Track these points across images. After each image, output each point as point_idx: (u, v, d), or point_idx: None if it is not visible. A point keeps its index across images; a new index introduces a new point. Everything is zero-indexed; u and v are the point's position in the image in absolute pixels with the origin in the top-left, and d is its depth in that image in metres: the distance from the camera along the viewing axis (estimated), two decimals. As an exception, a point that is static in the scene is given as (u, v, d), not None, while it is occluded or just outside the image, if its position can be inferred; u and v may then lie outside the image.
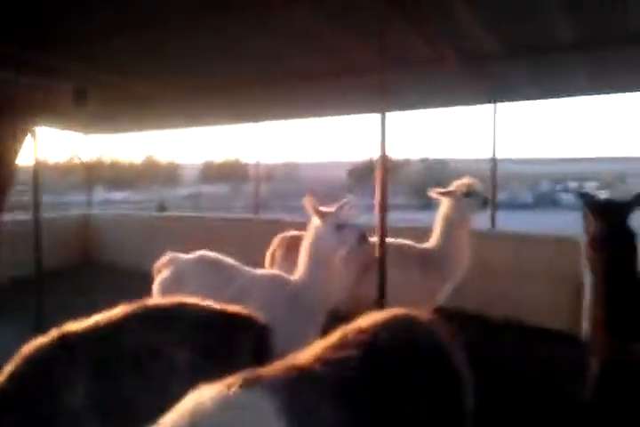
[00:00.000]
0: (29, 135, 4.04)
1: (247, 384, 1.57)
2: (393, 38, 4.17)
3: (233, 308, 2.67)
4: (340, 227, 3.67)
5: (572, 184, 45.57)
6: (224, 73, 6.89)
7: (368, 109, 8.73)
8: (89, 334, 2.35)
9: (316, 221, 3.80)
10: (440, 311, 4.93)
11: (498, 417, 3.86)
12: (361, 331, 1.97)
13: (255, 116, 9.72)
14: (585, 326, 5.24)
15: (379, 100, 4.00)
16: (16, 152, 3.77)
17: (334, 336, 1.97)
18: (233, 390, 1.54)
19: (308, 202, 3.80)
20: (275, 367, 1.75)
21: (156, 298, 3.85)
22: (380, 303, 3.92)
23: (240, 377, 1.61)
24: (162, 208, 27.64)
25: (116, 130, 11.93)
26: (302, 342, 3.35)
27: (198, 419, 1.47)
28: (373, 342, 1.90)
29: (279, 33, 5.10)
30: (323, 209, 3.81)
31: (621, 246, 3.02)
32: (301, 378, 1.70)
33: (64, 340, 2.31)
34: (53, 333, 2.34)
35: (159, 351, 2.31)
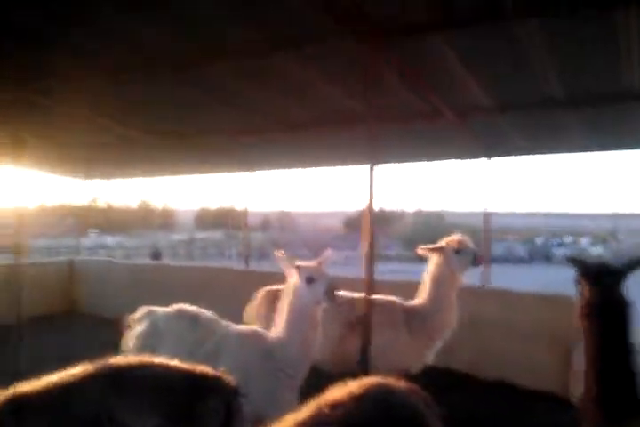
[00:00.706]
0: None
1: None
2: (382, 89, 4.17)
3: (202, 369, 2.48)
4: (311, 280, 3.57)
5: (567, 239, 45.96)
6: (217, 122, 6.92)
7: (360, 161, 8.73)
8: (42, 397, 2.16)
9: (292, 277, 3.70)
10: (429, 371, 4.74)
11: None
12: (336, 405, 1.83)
13: (249, 166, 9.73)
14: (573, 388, 5.04)
15: (368, 151, 3.95)
16: None
17: (309, 409, 1.84)
18: None
19: (279, 257, 3.74)
20: None
21: (127, 354, 3.65)
22: (364, 363, 3.76)
23: None
24: (156, 254, 27.38)
25: (110, 175, 11.96)
26: (277, 404, 3.18)
27: None
28: (348, 420, 1.77)
29: (271, 83, 5.14)
30: (297, 263, 3.72)
31: (615, 316, 2.86)
32: None
33: (12, 404, 2.12)
34: (2, 395, 2.15)
35: (120, 419, 2.13)
